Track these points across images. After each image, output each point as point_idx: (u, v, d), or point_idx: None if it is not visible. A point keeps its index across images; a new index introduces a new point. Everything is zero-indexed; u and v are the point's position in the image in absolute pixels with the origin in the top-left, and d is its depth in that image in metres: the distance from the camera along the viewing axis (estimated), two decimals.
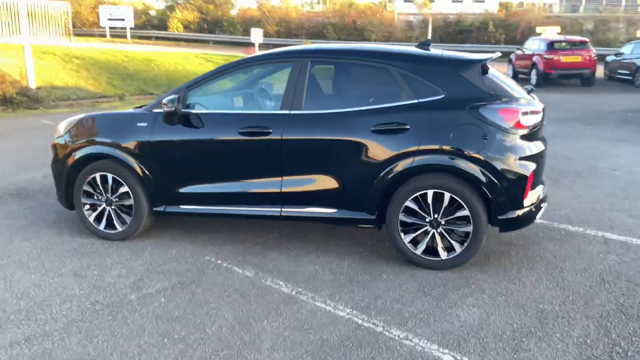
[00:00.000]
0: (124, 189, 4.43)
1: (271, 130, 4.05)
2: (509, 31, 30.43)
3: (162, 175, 4.36)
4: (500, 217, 3.76)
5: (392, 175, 3.83)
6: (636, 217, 5.02)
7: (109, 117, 4.71)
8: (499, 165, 3.68)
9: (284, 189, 4.11)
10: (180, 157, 4.33)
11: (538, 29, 22.06)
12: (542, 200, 4.00)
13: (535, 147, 3.85)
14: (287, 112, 4.08)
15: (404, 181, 3.84)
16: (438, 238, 3.86)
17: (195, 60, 21.98)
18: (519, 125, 3.73)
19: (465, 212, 3.73)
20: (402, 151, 3.80)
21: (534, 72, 18.35)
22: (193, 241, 4.53)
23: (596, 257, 4.12)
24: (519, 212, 3.78)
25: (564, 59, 17.64)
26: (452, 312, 3.33)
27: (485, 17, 31.37)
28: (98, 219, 4.58)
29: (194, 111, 4.28)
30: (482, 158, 3.68)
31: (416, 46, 4.45)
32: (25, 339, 3.10)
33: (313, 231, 4.68)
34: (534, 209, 3.87)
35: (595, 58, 17.83)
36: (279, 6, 37.95)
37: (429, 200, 3.80)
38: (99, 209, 4.56)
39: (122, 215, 4.51)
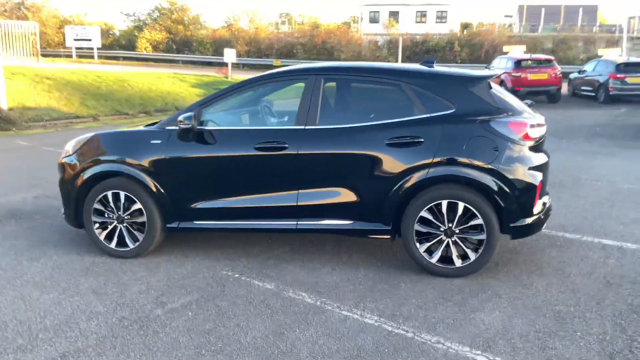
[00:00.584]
0: (137, 206, 4.45)
1: (287, 145, 4.16)
2: (474, 50, 31.44)
3: (176, 192, 4.40)
4: (512, 225, 3.95)
5: (407, 186, 3.98)
6: (625, 224, 5.29)
7: (121, 135, 4.74)
8: (510, 175, 3.88)
9: (300, 203, 4.21)
10: (196, 174, 4.39)
11: (505, 48, 22.89)
12: (548, 209, 4.22)
13: (541, 157, 4.08)
14: (302, 127, 4.20)
15: (419, 192, 3.99)
16: (452, 247, 4.01)
17: (168, 80, 21.93)
18: (527, 137, 3.95)
19: (479, 221, 3.91)
20: (417, 163, 3.96)
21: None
22: (206, 256, 4.56)
23: (598, 262, 4.34)
24: (529, 220, 3.98)
25: (531, 76, 18.32)
26: (475, 316, 3.47)
27: (450, 37, 32.33)
28: (109, 237, 4.57)
29: (209, 128, 4.35)
30: (494, 168, 3.87)
31: (420, 63, 4.64)
32: (61, 355, 3.10)
33: (323, 243, 4.78)
34: (542, 217, 4.08)
35: (560, 75, 18.59)
36: (248, 27, 38.20)
37: (444, 210, 3.96)
38: (110, 227, 4.54)
39: (134, 232, 4.52)
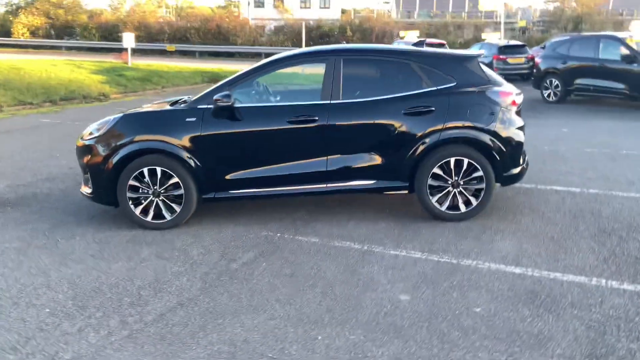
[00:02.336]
0: (174, 180, 4.81)
1: (317, 118, 4.78)
2: (365, 35, 33.08)
3: (212, 165, 4.83)
4: (504, 174, 4.93)
5: (422, 148, 4.80)
6: (562, 174, 6.55)
7: (153, 115, 5.04)
8: (504, 134, 4.84)
9: (330, 168, 4.86)
10: (231, 147, 4.85)
11: (401, 33, 24.51)
12: (527, 161, 5.26)
13: (522, 120, 5.09)
14: (327, 102, 4.83)
15: (431, 152, 4.82)
16: (458, 196, 4.91)
17: (66, 67, 20.94)
18: (514, 103, 4.94)
19: (480, 173, 4.83)
20: (431, 129, 4.78)
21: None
22: (237, 223, 5.04)
23: (558, 202, 5.48)
24: (517, 170, 4.99)
25: None
26: (493, 246, 4.40)
27: (343, 23, 33.70)
28: (144, 211, 4.88)
29: (246, 105, 4.84)
30: (491, 129, 4.81)
31: (413, 44, 5.45)
32: (178, 304, 3.53)
33: (335, 205, 5.45)
34: (525, 167, 5.11)
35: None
36: (135, 10, 36.78)
37: (452, 166, 4.83)
38: (146, 201, 4.86)
39: (171, 204, 4.88)
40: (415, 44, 5.30)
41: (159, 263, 4.19)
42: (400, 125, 4.79)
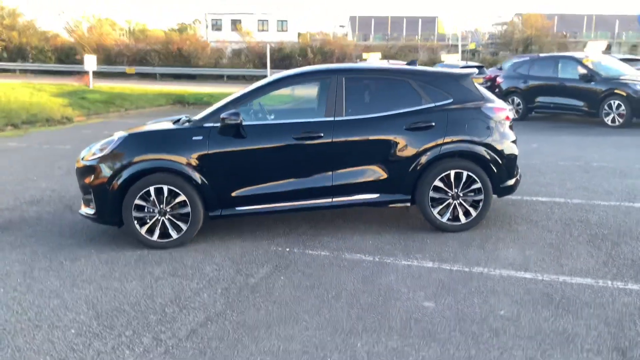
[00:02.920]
0: (181, 198, 4.83)
1: (322, 134, 4.91)
2: (326, 57, 33.62)
3: (219, 182, 4.87)
4: (501, 186, 5.17)
5: (424, 162, 4.98)
6: (543, 185, 6.88)
7: (159, 134, 5.04)
8: (500, 148, 5.09)
9: (335, 183, 4.99)
10: (238, 164, 4.91)
11: (364, 55, 25.07)
12: (519, 173, 5.52)
13: (514, 134, 5.36)
14: (332, 119, 4.98)
15: (432, 166, 5.01)
16: (458, 207, 5.11)
17: (25, 90, 20.50)
18: (507, 118, 5.20)
19: (478, 185, 5.05)
20: (432, 143, 4.98)
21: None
22: (243, 239, 5.08)
23: (547, 212, 5.76)
24: (512, 182, 5.24)
25: None
26: (498, 253, 4.59)
27: (304, 46, 34.17)
28: (150, 230, 4.87)
29: (253, 122, 4.93)
30: (488, 143, 5.05)
31: (406, 64, 5.68)
32: (207, 319, 3.54)
33: (335, 219, 5.57)
34: (518, 178, 5.37)
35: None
36: (92, 33, 36.24)
37: (452, 178, 5.03)
38: (151, 220, 4.84)
39: (177, 223, 4.88)
40: (408, 64, 5.48)
41: (174, 281, 4.19)
42: (403, 140, 4.97)
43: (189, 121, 5.12)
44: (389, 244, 4.89)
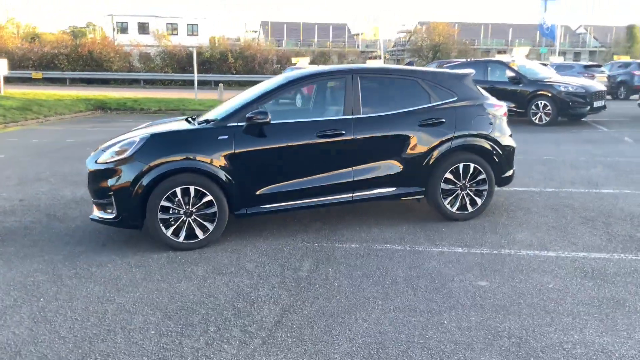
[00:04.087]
0: (207, 198, 4.82)
1: (344, 132, 5.11)
2: (247, 62, 33.51)
3: (245, 181, 4.91)
4: (502, 176, 5.63)
5: (436, 156, 5.33)
6: (515, 177, 7.48)
7: (183, 134, 4.97)
8: (501, 141, 5.55)
9: (356, 178, 5.20)
10: (263, 162, 4.97)
11: (293, 60, 25.31)
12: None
13: (509, 129, 5.85)
14: (350, 116, 5.19)
15: (443, 160, 5.37)
16: (466, 197, 5.51)
17: None
18: (505, 114, 5.69)
19: (483, 176, 5.48)
20: (443, 138, 5.34)
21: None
22: (266, 237, 5.15)
23: (531, 200, 6.33)
24: (510, 172, 5.73)
25: None
26: (512, 237, 5.03)
27: (224, 49, 33.81)
28: (175, 232, 4.81)
29: (281, 121, 5.01)
30: (492, 137, 5.49)
31: (406, 64, 6.00)
32: (283, 310, 3.63)
33: (345, 214, 5.77)
34: (515, 169, 5.87)
35: None
36: None
37: (460, 170, 5.42)
38: (177, 222, 4.79)
39: (205, 223, 4.87)
40: (407, 64, 5.81)
41: (224, 279, 4.20)
42: (417, 136, 5.29)
43: (207, 121, 5.10)
44: (409, 234, 5.16)
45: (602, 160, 8.72)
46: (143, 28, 56.19)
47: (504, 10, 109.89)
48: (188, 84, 32.19)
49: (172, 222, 4.78)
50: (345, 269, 4.34)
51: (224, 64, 33.35)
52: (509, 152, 5.65)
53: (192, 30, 60.35)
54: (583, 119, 14.07)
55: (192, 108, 20.78)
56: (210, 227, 4.86)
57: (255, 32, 66.50)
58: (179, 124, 5.54)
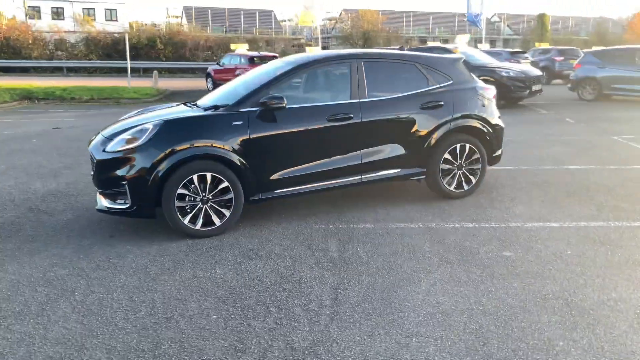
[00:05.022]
0: (224, 184, 4.80)
1: (352, 115, 5.24)
2: (177, 48, 32.56)
3: (259, 166, 4.93)
4: (493, 155, 5.98)
5: (436, 137, 5.58)
6: (518, 158, 7.92)
7: (198, 120, 4.87)
8: (492, 122, 5.89)
9: (364, 160, 5.35)
10: (277, 147, 5.00)
11: (232, 46, 24.88)
12: None
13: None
14: (357, 100, 5.32)
15: (442, 141, 5.63)
16: (462, 176, 5.81)
17: None
18: (494, 96, 6.02)
19: (477, 155, 5.80)
20: (443, 120, 5.59)
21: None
22: (279, 222, 5.20)
23: (511, 177, 6.75)
24: (499, 151, 6.09)
25: None
26: (513, 211, 5.37)
27: (152, 35, 32.64)
28: (192, 220, 4.76)
29: (296, 105, 5.05)
30: (485, 118, 5.82)
31: (397, 49, 6.20)
32: (334, 288, 3.73)
33: (343, 198, 5.92)
34: (502, 148, 6.24)
35: None
36: None
37: (457, 151, 5.71)
38: (193, 209, 4.74)
39: (221, 210, 4.85)
40: (399, 48, 6.00)
41: (258, 263, 4.23)
42: (419, 118, 5.50)
43: (216, 107, 5.06)
44: (415, 212, 5.39)
45: (556, 139, 9.39)
46: (57, 13, 53.12)
47: None
48: (114, 72, 30.91)
49: (188, 210, 4.72)
50: (372, 247, 4.48)
51: (152, 51, 32.23)
52: (498, 132, 6.00)
53: (111, 15, 57.72)
54: (520, 103, 14.94)
55: (128, 97, 20.05)
56: (227, 213, 4.84)
57: (178, 17, 64.46)
58: (179, 109, 5.44)
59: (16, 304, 3.61)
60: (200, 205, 4.74)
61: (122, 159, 4.65)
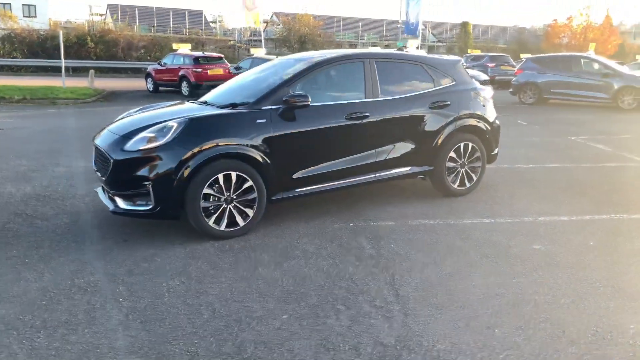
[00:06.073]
0: (248, 184, 4.70)
1: (368, 114, 5.29)
2: (109, 47, 31.23)
3: (282, 165, 4.86)
4: (491, 154, 6.23)
5: (444, 136, 5.74)
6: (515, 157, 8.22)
7: (223, 118, 4.71)
8: (491, 121, 6.13)
9: (378, 159, 5.41)
10: (300, 145, 4.95)
11: (174, 46, 24.13)
12: None
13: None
14: (371, 99, 5.38)
15: (448, 140, 5.80)
16: (465, 175, 6.01)
17: None
18: (492, 97, 6.27)
19: (478, 154, 6.02)
20: (449, 119, 5.76)
21: (184, 84, 20.44)
22: (298, 221, 5.15)
23: (497, 175, 7.04)
24: (496, 150, 6.34)
25: (210, 72, 20.45)
26: (518, 206, 5.61)
27: (83, 33, 31.11)
28: (216, 221, 4.63)
29: (318, 103, 5.01)
30: (485, 118, 6.05)
31: (397, 49, 6.31)
32: (389, 283, 3.76)
33: (352, 195, 5.95)
34: (498, 148, 6.50)
35: (232, 71, 21.37)
36: None
37: (461, 149, 5.91)
38: (217, 210, 4.61)
39: (245, 210, 4.74)
40: (398, 49, 6.13)
41: (299, 262, 4.16)
42: (428, 117, 5.64)
43: (234, 105, 4.95)
44: (428, 209, 5.51)
45: (519, 140, 9.89)
46: None
47: (353, 4, 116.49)
48: (42, 71, 29.20)
49: (212, 211, 4.57)
50: (404, 244, 4.54)
51: (82, 49, 30.71)
52: (496, 131, 6.25)
53: (29, 11, 54.48)
54: None
55: (64, 97, 18.98)
56: (251, 213, 4.73)
57: (102, 15, 61.82)
58: (190, 107, 5.28)
59: (59, 313, 3.35)
60: (224, 205, 4.60)
61: (145, 159, 4.43)
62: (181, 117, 4.62)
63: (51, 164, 7.71)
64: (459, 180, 5.93)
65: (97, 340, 3.04)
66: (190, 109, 5.15)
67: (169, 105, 5.56)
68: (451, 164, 5.84)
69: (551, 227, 4.94)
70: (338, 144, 5.16)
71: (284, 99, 4.80)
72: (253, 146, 4.66)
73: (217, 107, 5.06)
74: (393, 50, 6.60)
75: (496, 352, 2.89)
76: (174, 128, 4.49)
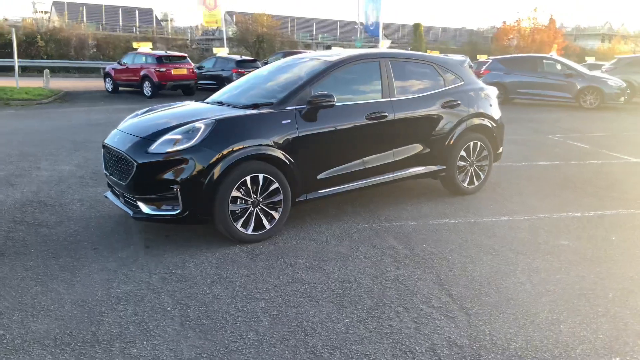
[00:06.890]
0: (274, 186, 4.61)
1: (387, 114, 5.29)
2: (61, 46, 30.04)
3: (307, 166, 4.79)
4: (497, 152, 6.34)
5: (456, 135, 5.81)
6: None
7: (250, 119, 4.57)
8: (497, 119, 6.25)
9: (396, 159, 5.42)
10: (324, 146, 4.90)
11: (135, 44, 23.40)
12: None
13: None
14: (388, 99, 5.38)
15: (459, 139, 5.87)
16: (473, 173, 6.10)
17: None
18: (497, 96, 6.39)
19: (486, 153, 6.13)
20: (460, 119, 5.83)
21: (147, 84, 19.87)
22: (318, 223, 5.09)
23: (507, 173, 7.16)
24: (501, 149, 6.46)
25: (174, 71, 19.98)
26: (527, 204, 5.72)
27: (32, 31, 29.80)
28: (243, 224, 4.52)
29: (342, 103, 4.95)
30: (492, 117, 6.15)
31: (387, 48, 6.34)
32: (436, 283, 3.77)
33: (363, 196, 5.94)
34: (503, 146, 6.62)
35: (196, 71, 20.96)
36: None
37: (471, 149, 5.99)
38: (245, 213, 4.51)
39: (271, 212, 4.65)
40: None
41: (337, 264, 4.11)
42: (442, 117, 5.68)
43: (256, 105, 4.84)
44: (443, 208, 5.56)
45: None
46: None
47: (306, 4, 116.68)
48: None
49: (239, 214, 4.45)
50: (435, 243, 4.55)
51: (32, 48, 29.41)
52: (501, 130, 6.37)
53: None
54: None
55: (19, 97, 18.11)
56: (277, 216, 4.64)
57: (47, 12, 59.43)
58: (207, 107, 5.14)
59: (107, 325, 3.18)
60: (251, 208, 4.49)
61: (172, 161, 4.26)
62: (207, 119, 4.47)
63: (32, 168, 7.34)
64: (468, 179, 6.01)
65: (161, 352, 2.90)
66: (210, 109, 4.99)
67: (181, 106, 5.38)
68: (461, 163, 5.91)
69: (568, 223, 5.07)
70: (359, 144, 5.13)
71: (308, 99, 4.72)
72: (279, 147, 4.56)
73: (237, 107, 4.93)
74: (406, 51, 6.63)
75: (571, 348, 2.93)
76: (201, 130, 4.34)
